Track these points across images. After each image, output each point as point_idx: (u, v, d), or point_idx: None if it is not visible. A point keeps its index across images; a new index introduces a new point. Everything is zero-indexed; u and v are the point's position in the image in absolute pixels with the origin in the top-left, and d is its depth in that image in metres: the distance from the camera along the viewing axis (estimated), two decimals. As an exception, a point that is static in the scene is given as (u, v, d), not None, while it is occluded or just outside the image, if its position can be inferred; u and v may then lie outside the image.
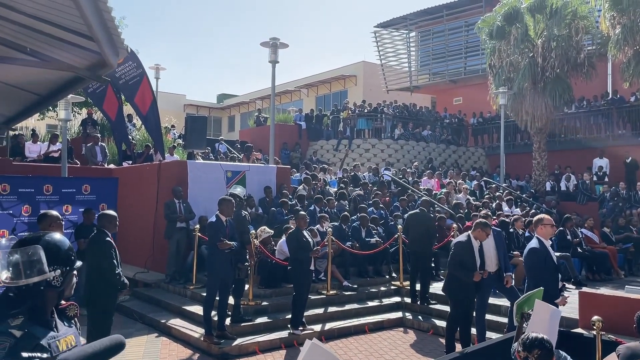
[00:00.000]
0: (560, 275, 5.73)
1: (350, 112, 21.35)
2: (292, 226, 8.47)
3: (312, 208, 11.07)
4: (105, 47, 5.06)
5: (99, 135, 14.69)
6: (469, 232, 6.53)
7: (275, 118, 20.29)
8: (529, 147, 19.06)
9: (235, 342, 6.96)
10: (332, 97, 31.96)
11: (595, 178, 16.75)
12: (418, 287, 9.07)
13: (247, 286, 8.04)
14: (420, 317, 8.57)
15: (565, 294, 5.83)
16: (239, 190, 8.38)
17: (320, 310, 8.41)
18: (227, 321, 7.34)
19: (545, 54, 16.78)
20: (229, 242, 6.73)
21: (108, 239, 5.38)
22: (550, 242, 5.85)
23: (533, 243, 5.65)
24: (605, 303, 6.37)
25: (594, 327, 4.73)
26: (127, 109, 14.99)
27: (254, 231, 8.34)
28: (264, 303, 8.22)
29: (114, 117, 13.75)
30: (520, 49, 17.28)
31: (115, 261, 5.32)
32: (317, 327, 7.76)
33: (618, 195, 14.83)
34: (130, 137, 15.23)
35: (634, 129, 18.02)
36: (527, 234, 9.99)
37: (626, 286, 7.10)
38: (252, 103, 36.69)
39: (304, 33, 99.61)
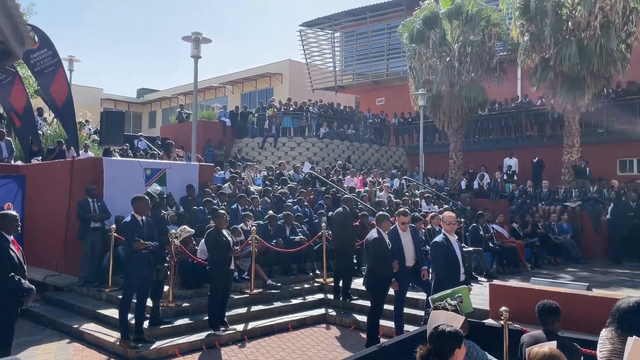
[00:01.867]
0: (463, 269, 6.15)
1: (275, 110, 21.31)
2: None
3: (234, 206, 10.93)
4: (10, 36, 4.72)
5: (4, 130, 13.66)
6: (376, 227, 6.94)
7: (199, 114, 19.89)
8: (447, 147, 19.93)
9: (154, 345, 6.74)
10: (258, 95, 31.77)
11: (505, 177, 17.81)
12: (341, 283, 9.23)
13: (166, 287, 7.82)
14: (342, 312, 8.72)
15: (474, 285, 6.20)
16: (156, 189, 8.11)
17: (244, 310, 8.33)
18: (145, 324, 7.10)
19: (461, 58, 17.62)
20: (144, 242, 6.49)
21: (3, 241, 4.96)
22: (456, 237, 6.27)
23: (438, 238, 6.26)
24: (513, 294, 6.76)
25: (502, 318, 5.04)
26: (37, 102, 14.05)
27: (173, 231, 8.11)
28: (185, 304, 8.02)
29: (22, 110, 12.88)
30: (439, 53, 18.01)
31: (9, 265, 4.90)
32: (240, 327, 7.69)
33: (526, 192, 15.84)
34: (40, 132, 14.30)
35: (540, 131, 19.35)
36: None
37: (532, 278, 7.58)
38: (175, 98, 35.69)
39: (230, 29, 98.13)
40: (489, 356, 3.89)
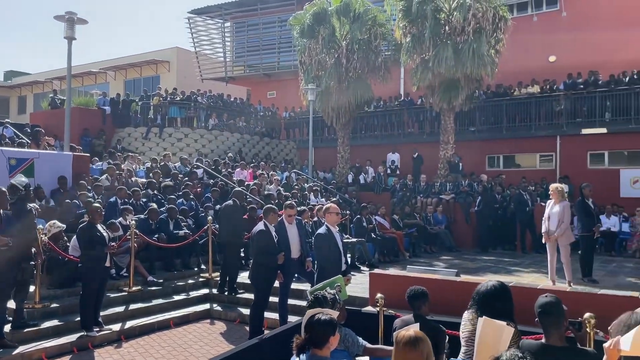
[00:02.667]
0: (344, 259, 6.36)
1: (161, 98, 20.41)
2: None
3: (113, 200, 10.31)
4: None
5: None
6: (263, 220, 6.97)
7: (75, 101, 18.50)
8: (335, 142, 20.45)
9: (17, 351, 6.15)
10: (143, 82, 30.26)
11: (388, 171, 18.69)
12: (228, 277, 9.10)
13: (33, 287, 7.17)
14: (227, 307, 8.62)
15: (357, 275, 6.42)
16: (22, 180, 7.40)
17: (121, 309, 7.89)
18: (7, 328, 6.46)
19: (349, 55, 18.13)
20: (2, 238, 5.90)
21: None
22: (338, 229, 6.46)
23: (321, 229, 6.38)
24: (390, 282, 7.09)
25: (378, 304, 5.29)
26: None
27: (41, 226, 7.45)
28: (54, 305, 7.41)
29: None
30: (328, 49, 18.39)
31: None
32: (117, 327, 7.28)
33: (406, 186, 16.73)
34: None
35: (420, 128, 20.51)
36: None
37: (408, 266, 8.03)
38: (48, 83, 32.84)
39: (114, 12, 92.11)
40: (363, 341, 4.04)
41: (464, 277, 7.26)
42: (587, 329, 4.06)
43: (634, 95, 16.23)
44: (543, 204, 13.79)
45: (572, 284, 8.39)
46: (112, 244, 7.16)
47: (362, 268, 10.88)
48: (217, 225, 9.92)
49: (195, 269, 10.24)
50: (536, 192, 15.14)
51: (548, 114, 17.75)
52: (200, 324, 8.06)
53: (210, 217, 10.23)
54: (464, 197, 15.45)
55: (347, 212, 13.39)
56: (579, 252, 9.55)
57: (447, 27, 16.32)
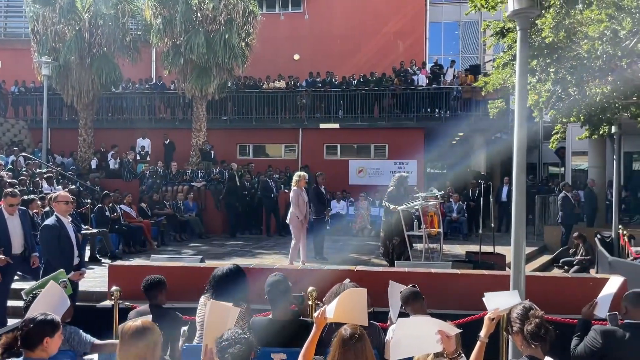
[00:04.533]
0: (77, 252, 5.87)
1: None
2: None
3: None
4: None
5: None
6: None
7: None
8: (76, 123, 18.54)
9: None
10: None
11: (138, 157, 17.81)
12: None
13: None
14: None
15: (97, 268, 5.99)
16: None
17: None
18: None
19: (92, 30, 16.57)
20: None
21: None
22: (70, 219, 5.93)
23: (49, 220, 5.85)
24: (131, 273, 6.76)
25: (112, 298, 5.02)
26: None
27: None
28: None
29: None
30: (67, 20, 16.51)
31: None
32: None
33: (157, 173, 16.20)
34: None
35: (173, 114, 20.08)
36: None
37: (152, 255, 7.79)
38: None
39: None
40: (91, 338, 3.77)
41: (208, 263, 7.38)
42: (310, 302, 4.55)
43: (360, 97, 18.77)
44: (287, 190, 15.02)
45: (305, 262, 9.29)
46: None
47: (103, 260, 10.16)
48: None
49: None
50: (280, 180, 16.31)
51: (292, 108, 19.24)
52: None
53: None
54: (215, 185, 15.72)
55: (89, 200, 12.31)
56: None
57: (199, 14, 16.25)
